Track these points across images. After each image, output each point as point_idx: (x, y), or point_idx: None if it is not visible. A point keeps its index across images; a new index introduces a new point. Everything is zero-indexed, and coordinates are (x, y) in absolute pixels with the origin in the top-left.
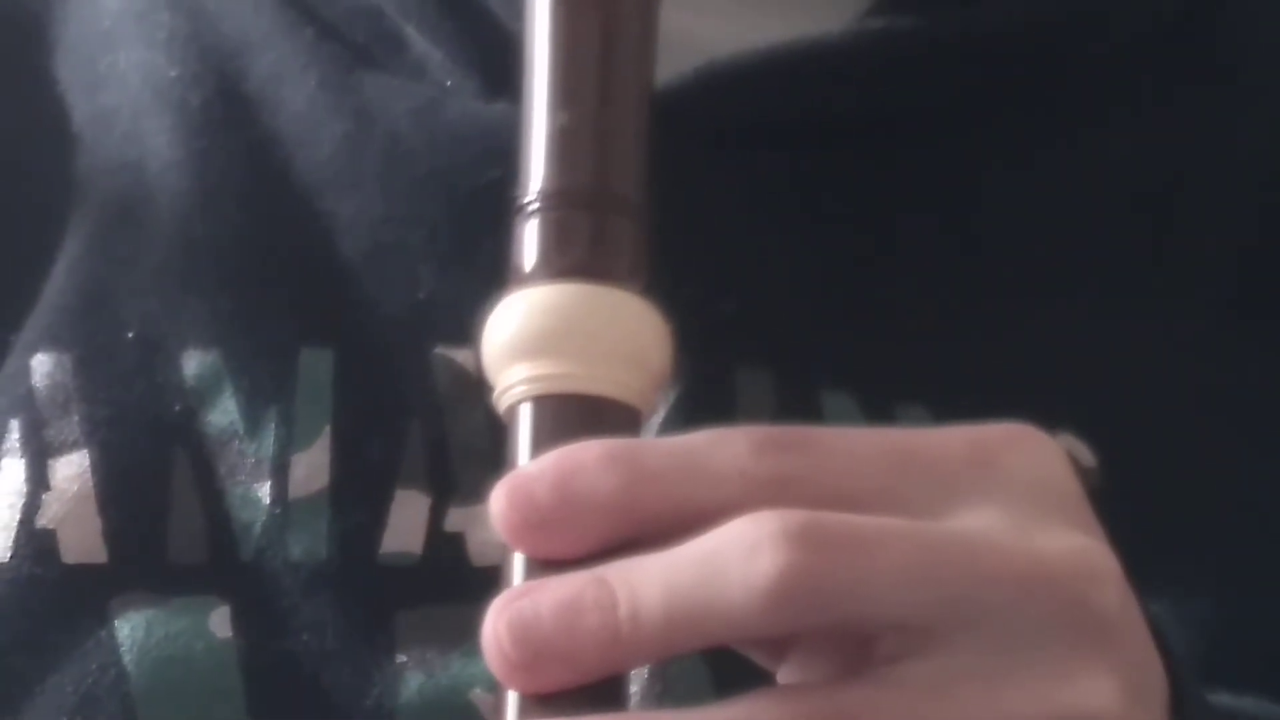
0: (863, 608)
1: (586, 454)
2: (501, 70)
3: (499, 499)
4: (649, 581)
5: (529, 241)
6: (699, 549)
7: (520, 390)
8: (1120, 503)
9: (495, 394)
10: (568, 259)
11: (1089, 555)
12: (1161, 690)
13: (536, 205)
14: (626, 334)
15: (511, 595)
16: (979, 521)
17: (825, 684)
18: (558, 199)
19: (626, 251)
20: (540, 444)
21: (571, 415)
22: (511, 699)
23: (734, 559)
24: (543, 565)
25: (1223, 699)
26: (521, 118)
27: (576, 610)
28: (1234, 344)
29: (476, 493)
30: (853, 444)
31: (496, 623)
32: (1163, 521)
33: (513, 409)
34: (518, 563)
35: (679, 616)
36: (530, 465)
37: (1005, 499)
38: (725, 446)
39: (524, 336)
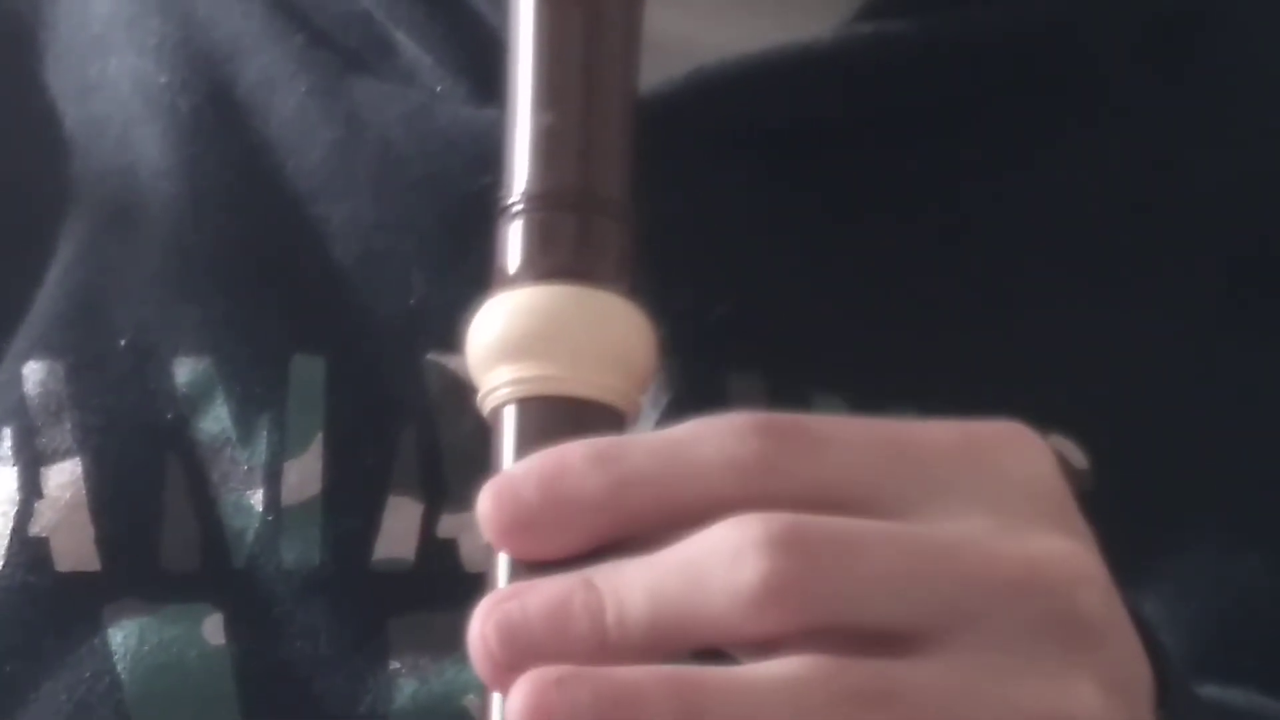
0: (847, 613)
1: (572, 453)
2: (492, 75)
3: (485, 501)
4: (635, 587)
5: (513, 243)
6: (684, 554)
7: (505, 392)
8: (1113, 503)
9: (479, 396)
10: (552, 260)
11: (1075, 558)
12: (1147, 690)
13: (520, 206)
14: (611, 336)
15: (498, 597)
16: (966, 521)
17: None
18: (542, 200)
19: (611, 253)
20: (525, 446)
21: (556, 417)
22: (497, 701)
23: (718, 565)
24: (528, 567)
25: (1211, 691)
26: (505, 118)
27: (565, 614)
28: (1226, 344)
29: (469, 499)
30: (843, 434)
31: (484, 625)
32: (1155, 520)
33: (497, 411)
34: (503, 564)
35: (665, 622)
36: (516, 466)
37: (994, 499)
38: (712, 435)
39: (508, 338)
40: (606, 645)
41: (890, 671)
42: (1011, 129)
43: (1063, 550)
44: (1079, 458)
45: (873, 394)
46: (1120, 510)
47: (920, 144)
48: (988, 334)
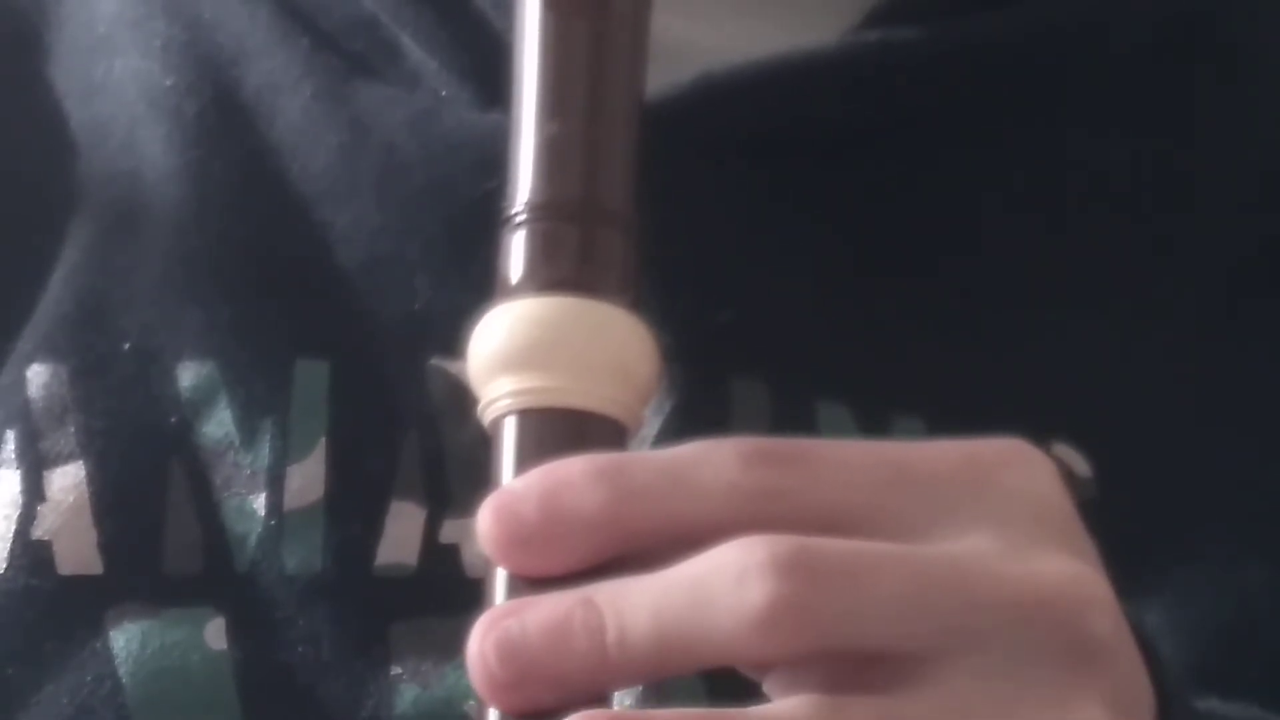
0: (853, 636)
1: (572, 469)
2: (497, 79)
3: (484, 517)
4: (637, 606)
5: (516, 253)
6: (687, 574)
7: (505, 403)
8: (1116, 511)
9: (480, 406)
10: (555, 271)
11: (1081, 580)
12: (1150, 708)
13: (524, 216)
14: (613, 348)
15: (498, 614)
16: (971, 543)
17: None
18: (545, 210)
19: (614, 265)
20: (525, 458)
21: (557, 429)
22: (494, 717)
23: (723, 587)
24: (527, 583)
25: (1212, 705)
26: (510, 127)
27: (564, 632)
28: (1230, 353)
29: (471, 504)
30: (845, 458)
31: (483, 641)
32: (1158, 529)
33: (498, 422)
34: (501, 579)
35: (666, 642)
36: (516, 482)
37: (998, 519)
38: (713, 460)
39: (510, 349)
40: (606, 664)
41: (890, 709)
42: (1017, 136)
43: (1069, 572)
44: (1083, 466)
45: (876, 403)
46: (1122, 519)
47: (926, 152)
48: (992, 342)
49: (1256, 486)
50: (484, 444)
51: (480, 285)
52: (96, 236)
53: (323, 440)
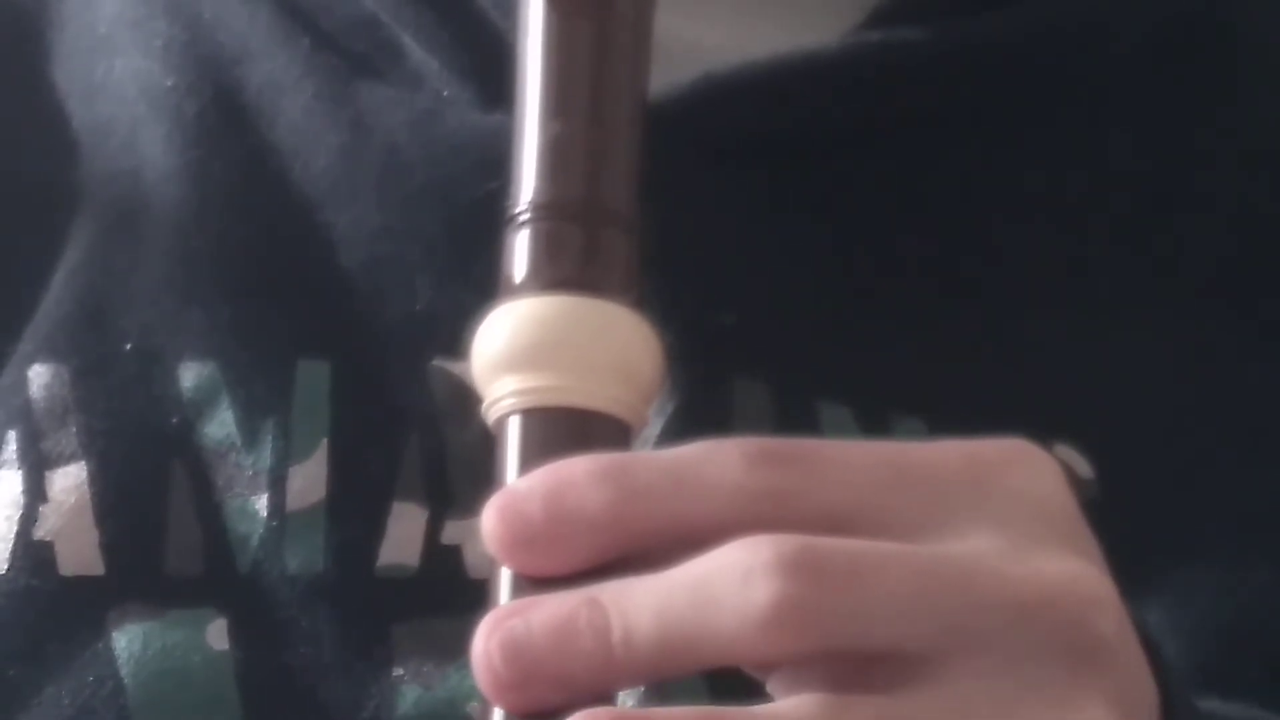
0: (858, 635)
1: (576, 469)
2: (499, 80)
3: (489, 516)
4: (642, 605)
5: (519, 252)
6: (692, 574)
7: (509, 403)
8: (1117, 512)
9: (484, 406)
10: (558, 271)
11: (1086, 580)
12: (1153, 708)
13: (527, 216)
14: (617, 347)
15: (502, 614)
16: (975, 543)
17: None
18: (549, 210)
19: (618, 264)
20: (529, 458)
21: (560, 429)
22: (498, 717)
23: (728, 586)
24: (532, 582)
25: (1213, 705)
26: (513, 127)
27: (569, 632)
28: (1231, 354)
29: (473, 505)
30: (848, 458)
31: (488, 641)
32: (1159, 530)
33: (501, 421)
34: (505, 579)
35: (671, 642)
36: (520, 482)
37: (1002, 519)
38: (717, 460)
39: (513, 348)
40: (611, 664)
41: (894, 709)
42: (1019, 138)
43: (1073, 571)
44: (1084, 467)
45: (878, 404)
46: (1124, 520)
47: (928, 153)
48: (994, 344)
49: (1257, 487)
50: (485, 445)
51: (482, 286)
52: (97, 237)
53: (324, 441)
